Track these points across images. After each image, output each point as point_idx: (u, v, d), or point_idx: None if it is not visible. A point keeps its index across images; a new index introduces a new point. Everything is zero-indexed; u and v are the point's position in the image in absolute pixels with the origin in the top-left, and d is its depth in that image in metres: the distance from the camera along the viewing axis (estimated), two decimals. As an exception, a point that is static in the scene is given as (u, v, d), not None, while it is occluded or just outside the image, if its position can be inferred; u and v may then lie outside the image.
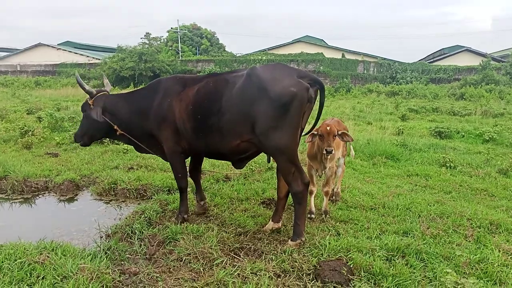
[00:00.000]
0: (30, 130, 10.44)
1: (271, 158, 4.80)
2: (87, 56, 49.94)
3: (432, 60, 48.22)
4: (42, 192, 6.82)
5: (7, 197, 6.59)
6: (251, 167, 7.53)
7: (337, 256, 3.98)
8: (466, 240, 4.55)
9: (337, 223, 4.98)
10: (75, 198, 6.65)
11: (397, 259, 3.98)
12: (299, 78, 4.08)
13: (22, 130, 10.45)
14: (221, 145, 4.47)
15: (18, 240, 4.29)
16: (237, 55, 47.02)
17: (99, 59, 44.69)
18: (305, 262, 3.91)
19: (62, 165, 7.97)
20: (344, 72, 38.77)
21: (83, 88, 5.14)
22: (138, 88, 5.35)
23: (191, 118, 4.50)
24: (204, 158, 5.66)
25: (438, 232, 4.71)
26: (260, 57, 42.70)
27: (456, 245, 4.39)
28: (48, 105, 18.56)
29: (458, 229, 4.86)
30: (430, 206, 5.69)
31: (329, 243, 4.19)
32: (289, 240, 4.35)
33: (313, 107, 4.43)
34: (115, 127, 5.04)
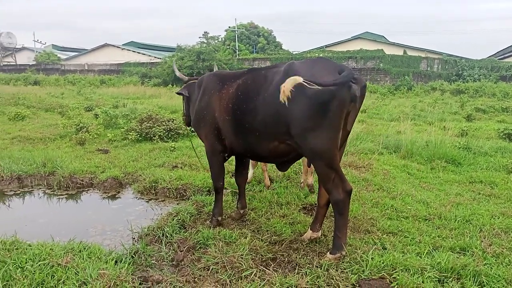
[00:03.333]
0: (85, 127, 10.75)
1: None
2: (149, 56, 51.78)
3: (502, 56, 44.84)
4: (86, 189, 6.89)
5: (52, 192, 6.71)
6: (295, 169, 7.14)
7: (380, 275, 3.53)
8: (538, 263, 3.89)
9: (384, 235, 4.48)
10: (117, 196, 6.64)
11: (451, 282, 3.45)
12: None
13: (78, 127, 10.78)
14: (258, 146, 4.20)
15: (50, 239, 4.27)
16: (294, 52, 46.47)
17: (160, 58, 46.07)
18: (342, 279, 3.50)
19: (110, 162, 8.04)
20: (405, 69, 37.00)
21: (176, 74, 5.53)
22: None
23: (230, 116, 4.31)
24: None
25: (502, 251, 4.07)
26: (317, 54, 41.89)
27: (525, 268, 3.76)
28: (108, 103, 19.24)
29: (528, 248, 4.19)
30: (494, 218, 5.02)
31: (372, 258, 3.73)
32: (328, 252, 3.94)
33: (360, 107, 3.95)
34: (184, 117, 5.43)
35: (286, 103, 3.43)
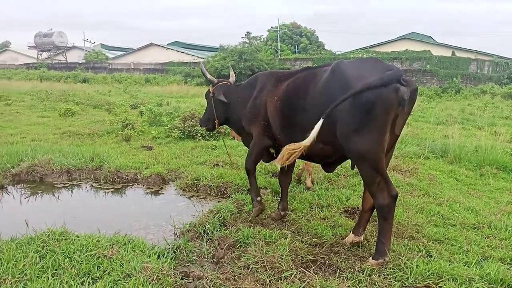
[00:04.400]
0: (131, 124, 11.08)
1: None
2: (192, 55, 52.73)
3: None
4: (131, 184, 7.09)
5: (99, 186, 6.95)
6: (337, 171, 7.03)
7: (425, 283, 3.41)
8: None
9: (430, 243, 4.32)
10: (160, 191, 6.79)
11: (502, 295, 3.28)
12: None
13: (124, 124, 11.13)
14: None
15: (97, 231, 4.41)
16: (336, 53, 45.91)
17: (203, 58, 46.79)
18: (385, 286, 3.41)
19: (153, 158, 8.24)
20: (453, 71, 35.62)
21: (206, 77, 5.44)
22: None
23: (279, 114, 4.37)
24: None
25: (560, 265, 3.83)
26: (360, 55, 41.21)
27: None
28: (152, 101, 19.76)
29: None
30: (550, 230, 4.73)
31: (417, 266, 3.61)
32: (370, 257, 3.84)
33: (411, 111, 3.82)
34: (216, 121, 5.37)
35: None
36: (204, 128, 6.08)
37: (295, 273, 3.60)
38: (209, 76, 5.41)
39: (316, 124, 3.66)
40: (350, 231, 4.38)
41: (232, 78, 5.63)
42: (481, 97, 28.24)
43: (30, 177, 7.19)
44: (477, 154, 8.52)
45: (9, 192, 6.66)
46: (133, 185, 7.06)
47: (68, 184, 7.05)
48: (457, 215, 5.20)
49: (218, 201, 6.13)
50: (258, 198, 4.89)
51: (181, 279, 3.49)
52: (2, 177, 6.89)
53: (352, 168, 4.61)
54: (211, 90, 5.36)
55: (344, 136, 3.68)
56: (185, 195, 6.55)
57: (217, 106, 5.30)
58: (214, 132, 10.63)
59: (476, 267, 3.69)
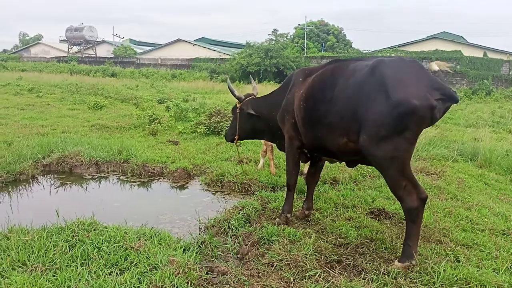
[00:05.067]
0: (158, 118, 11.24)
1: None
2: (219, 52, 52.97)
3: None
4: (157, 178, 7.21)
5: (126, 179, 7.09)
6: (362, 171, 6.96)
7: (452, 288, 3.34)
8: None
9: (458, 247, 4.22)
10: (185, 186, 6.88)
11: (533, 304, 3.19)
12: (431, 89, 3.42)
13: (151, 118, 11.30)
14: (329, 141, 4.11)
15: (124, 223, 4.50)
16: (364, 51, 45.30)
17: (229, 55, 46.96)
18: (411, 289, 3.35)
19: (179, 153, 8.35)
20: (485, 72, 34.63)
21: (233, 94, 5.38)
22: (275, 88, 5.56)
23: (303, 107, 4.29)
24: None
25: None
26: (388, 54, 40.50)
27: None
28: (179, 96, 19.98)
29: None
30: None
31: (445, 270, 3.54)
32: (396, 260, 3.79)
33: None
34: (236, 137, 5.47)
35: None
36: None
37: (319, 272, 3.59)
38: (237, 93, 5.37)
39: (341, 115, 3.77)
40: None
41: (255, 90, 5.67)
42: (512, 100, 27.43)
43: (60, 168, 7.40)
44: (508, 158, 8.30)
45: (40, 182, 6.87)
46: (159, 179, 7.17)
47: (96, 176, 7.22)
48: (486, 220, 5.06)
49: (242, 198, 6.17)
50: (289, 215, 4.84)
51: (206, 273, 3.53)
52: (33, 167, 7.10)
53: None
54: (238, 105, 5.39)
55: (369, 139, 3.61)
56: (209, 190, 6.61)
57: (244, 122, 5.34)
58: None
59: (506, 274, 3.59)
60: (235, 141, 5.57)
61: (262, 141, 7.18)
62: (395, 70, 3.60)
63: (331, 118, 3.96)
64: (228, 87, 5.46)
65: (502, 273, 3.62)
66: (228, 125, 7.96)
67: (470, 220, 5.03)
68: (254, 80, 6.51)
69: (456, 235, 4.54)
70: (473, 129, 12.85)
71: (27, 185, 6.61)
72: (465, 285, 3.37)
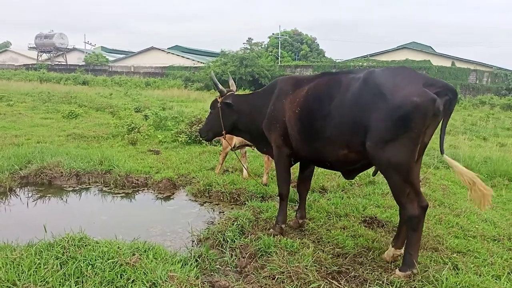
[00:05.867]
0: (137, 127, 10.98)
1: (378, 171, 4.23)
2: (193, 60, 52.73)
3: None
4: (141, 188, 7.01)
5: (109, 190, 6.87)
6: (354, 180, 6.96)
7: (456, 297, 3.34)
8: None
9: (454, 254, 4.26)
10: (171, 197, 6.72)
11: (536, 311, 3.22)
12: (426, 87, 3.50)
13: (129, 127, 11.03)
14: (326, 152, 4.12)
15: (114, 238, 4.31)
16: (337, 61, 46.05)
17: (203, 63, 46.80)
18: (416, 299, 3.33)
19: (162, 163, 8.17)
20: (453, 81, 35.67)
21: (217, 87, 5.22)
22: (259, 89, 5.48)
23: (298, 121, 4.26)
24: None
25: None
26: (360, 63, 41.35)
27: None
28: (154, 105, 19.65)
29: None
30: None
31: (447, 279, 3.54)
32: (397, 269, 3.78)
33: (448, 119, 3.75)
34: (223, 132, 5.22)
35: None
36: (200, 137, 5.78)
37: (322, 284, 3.53)
38: (220, 86, 5.21)
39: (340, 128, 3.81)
40: (390, 245, 4.15)
41: (233, 87, 5.54)
42: (480, 108, 28.38)
43: (38, 180, 7.09)
44: (487, 165, 8.51)
45: (18, 195, 6.56)
46: (143, 189, 6.98)
47: (77, 188, 6.96)
48: (476, 226, 5.14)
49: (232, 208, 6.07)
50: (283, 226, 4.77)
51: (208, 288, 3.41)
52: (10, 179, 6.79)
53: (374, 175, 4.55)
54: (219, 100, 5.18)
55: (376, 146, 3.62)
56: (197, 201, 6.47)
57: (225, 116, 5.15)
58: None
59: (506, 281, 3.63)
60: (222, 136, 5.35)
61: (223, 142, 7.08)
62: (388, 77, 3.70)
63: (331, 132, 3.96)
64: (212, 80, 5.36)
65: (503, 280, 3.65)
66: None
67: (461, 227, 5.10)
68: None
69: (450, 242, 4.58)
70: (448, 137, 13.16)
71: (5, 198, 6.30)
72: (468, 293, 3.38)
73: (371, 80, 3.67)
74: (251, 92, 5.39)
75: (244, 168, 7.22)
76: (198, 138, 10.27)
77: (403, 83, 3.52)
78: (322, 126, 4.02)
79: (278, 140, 4.57)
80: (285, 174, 4.74)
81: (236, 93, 5.45)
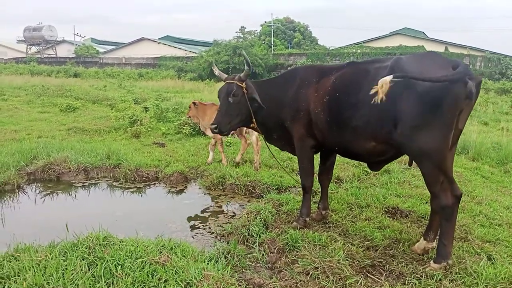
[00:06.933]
0: (139, 120, 10.77)
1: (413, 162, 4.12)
2: (185, 50, 52.18)
3: (553, 54, 42.76)
4: (152, 182, 6.86)
5: (120, 185, 6.70)
6: (365, 169, 6.88)
7: (497, 289, 3.27)
8: None
9: (484, 244, 4.19)
10: (184, 190, 6.58)
11: None
12: (455, 68, 3.40)
13: (131, 120, 10.81)
14: (355, 143, 4.03)
15: (136, 235, 4.17)
16: (330, 48, 45.80)
17: (195, 53, 46.30)
18: (457, 292, 3.26)
19: (170, 156, 8.01)
20: (448, 67, 35.76)
21: (221, 77, 4.85)
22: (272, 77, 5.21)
23: (326, 110, 4.13)
24: None
25: None
26: (354, 50, 41.13)
27: None
28: (151, 96, 19.36)
29: None
30: None
31: (485, 270, 3.47)
32: (431, 261, 3.70)
33: (474, 105, 3.67)
34: (253, 123, 4.79)
35: (379, 101, 3.32)
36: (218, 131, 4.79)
37: (359, 279, 3.44)
38: (218, 72, 4.96)
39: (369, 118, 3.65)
40: (421, 238, 4.06)
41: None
42: (476, 93, 28.40)
43: (46, 176, 6.89)
44: (496, 151, 8.47)
45: (27, 192, 6.38)
46: (154, 183, 6.83)
47: (87, 183, 6.78)
48: (500, 214, 5.09)
49: (248, 201, 5.96)
50: (307, 219, 4.66)
51: (245, 287, 3.30)
52: (17, 176, 6.60)
53: (410, 165, 4.43)
54: (242, 85, 4.54)
55: (407, 134, 3.51)
56: (211, 194, 6.34)
57: (242, 106, 4.61)
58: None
59: (545, 271, 3.56)
60: (251, 127, 4.93)
61: (211, 134, 6.82)
62: (415, 62, 3.63)
63: (358, 122, 3.86)
64: (215, 72, 5.07)
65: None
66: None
67: (485, 215, 5.04)
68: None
69: (478, 231, 4.51)
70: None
71: (14, 196, 6.11)
72: (510, 285, 3.31)
73: (399, 68, 3.57)
74: (264, 80, 5.13)
75: (210, 154, 7.55)
76: (201, 130, 10.12)
77: (431, 68, 3.43)
78: (351, 116, 3.92)
79: (301, 131, 4.43)
80: (309, 165, 4.62)
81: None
